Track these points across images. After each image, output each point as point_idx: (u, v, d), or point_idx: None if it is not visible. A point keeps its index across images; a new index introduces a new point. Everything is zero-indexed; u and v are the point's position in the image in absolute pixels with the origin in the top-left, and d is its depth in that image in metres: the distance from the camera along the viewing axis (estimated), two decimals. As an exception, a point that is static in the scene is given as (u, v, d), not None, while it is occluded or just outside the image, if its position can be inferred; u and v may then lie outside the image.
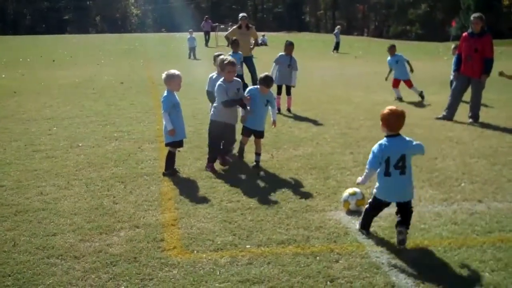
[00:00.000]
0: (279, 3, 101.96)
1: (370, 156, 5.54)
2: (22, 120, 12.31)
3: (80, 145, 9.90)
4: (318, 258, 5.26)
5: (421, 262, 5.20)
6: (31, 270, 5.04)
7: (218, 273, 4.99)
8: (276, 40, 45.40)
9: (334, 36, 41.09)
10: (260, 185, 7.60)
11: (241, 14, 17.14)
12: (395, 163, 5.42)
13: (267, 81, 8.32)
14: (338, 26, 45.22)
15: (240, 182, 7.73)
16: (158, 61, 28.57)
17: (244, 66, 16.07)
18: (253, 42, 16.88)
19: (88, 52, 37.44)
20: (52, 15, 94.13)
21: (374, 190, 5.71)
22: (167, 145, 8.16)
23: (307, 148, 9.65)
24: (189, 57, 32.41)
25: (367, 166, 5.61)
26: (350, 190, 6.68)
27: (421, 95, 15.66)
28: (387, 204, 5.70)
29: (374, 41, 58.52)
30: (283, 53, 13.63)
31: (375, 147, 5.52)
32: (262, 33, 47.35)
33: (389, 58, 16.06)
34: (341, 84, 14.72)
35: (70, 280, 4.85)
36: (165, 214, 6.46)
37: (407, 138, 5.55)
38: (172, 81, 8.02)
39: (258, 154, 8.58)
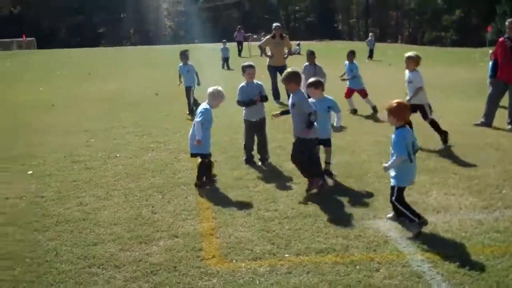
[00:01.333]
0: (311, 12, 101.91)
1: (397, 144, 5.87)
2: (60, 132, 12.53)
3: (117, 156, 10.03)
4: (358, 267, 5.22)
5: (463, 270, 5.12)
6: (73, 279, 5.12)
7: (257, 282, 4.99)
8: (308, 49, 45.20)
9: (366, 44, 40.86)
10: (297, 194, 7.58)
11: (274, 24, 17.19)
12: (411, 150, 5.92)
13: (313, 83, 8.23)
14: (371, 34, 44.94)
15: (276, 191, 7.73)
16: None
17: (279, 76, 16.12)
18: (287, 51, 16.88)
19: (123, 64, 37.94)
20: (86, 28, 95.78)
21: (394, 182, 6.00)
22: (193, 155, 8.23)
23: (343, 156, 9.59)
24: (223, 67, 32.58)
25: (397, 154, 5.88)
26: None
27: (374, 109, 14.27)
28: None
29: (408, 48, 57.97)
30: (307, 63, 13.74)
31: (397, 137, 5.90)
32: (297, 42, 47.31)
33: (347, 63, 14.64)
34: (374, 91, 14.61)
35: (111, 289, 4.91)
36: (203, 224, 6.50)
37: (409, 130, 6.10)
38: (218, 100, 8.22)
39: (326, 163, 8.43)
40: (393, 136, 6.01)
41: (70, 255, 5.65)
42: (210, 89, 8.24)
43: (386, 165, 6.07)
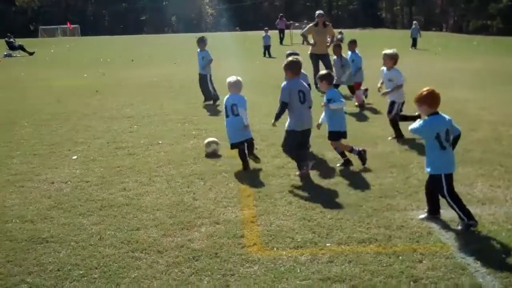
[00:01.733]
0: (354, 0, 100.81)
1: (420, 126, 5.94)
2: (104, 118, 12.72)
3: (160, 142, 10.12)
4: (400, 258, 5.16)
5: (509, 263, 5.01)
6: (117, 263, 5.19)
7: (298, 270, 4.98)
8: (351, 37, 44.84)
9: (411, 32, 40.21)
10: (339, 183, 7.53)
11: (317, 12, 17.05)
12: (445, 137, 5.81)
13: (319, 77, 8.47)
14: (415, 22, 44.15)
15: (318, 180, 7.69)
16: (233, 60, 28.82)
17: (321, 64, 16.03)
18: (330, 39, 16.72)
19: (165, 51, 38.27)
20: (129, 16, 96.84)
21: (430, 170, 5.94)
22: (234, 146, 8.45)
23: (385, 146, 9.48)
24: (264, 55, 32.56)
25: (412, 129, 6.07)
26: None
27: (361, 105, 13.49)
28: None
29: (454, 36, 56.98)
30: (335, 57, 14.08)
31: (424, 121, 5.94)
32: (339, 30, 46.90)
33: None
34: (419, 80, 14.34)
35: (154, 274, 4.97)
36: (244, 211, 6.51)
37: (446, 116, 5.96)
38: (240, 87, 8.59)
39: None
40: None
41: (114, 240, 5.74)
42: (233, 79, 8.52)
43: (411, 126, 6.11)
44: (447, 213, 6.03)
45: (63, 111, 13.76)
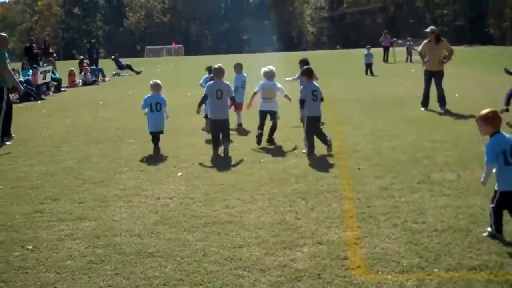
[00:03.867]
0: (459, 16, 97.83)
1: (487, 152, 6.03)
2: (207, 135, 12.97)
3: (261, 161, 10.19)
4: (514, 287, 4.88)
5: None
6: (220, 280, 5.24)
7: (405, 296, 4.81)
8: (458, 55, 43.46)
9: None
10: (446, 207, 7.23)
11: (429, 28, 16.51)
12: (510, 153, 5.92)
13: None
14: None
15: (424, 202, 7.44)
16: (335, 77, 28.70)
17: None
18: (446, 55, 16.13)
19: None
20: (231, 35, 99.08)
21: (496, 188, 6.01)
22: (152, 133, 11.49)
23: (496, 168, 9.04)
24: (366, 74, 32.15)
25: (485, 164, 6.02)
26: None
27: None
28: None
29: None
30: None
31: (488, 146, 6.05)
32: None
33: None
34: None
35: (257, 293, 4.97)
36: (347, 232, 6.40)
37: (506, 134, 6.13)
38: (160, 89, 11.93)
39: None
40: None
41: (217, 256, 5.80)
42: (154, 82, 11.92)
43: (482, 179, 6.13)
44: None
45: (168, 128, 14.16)
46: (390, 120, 14.08)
